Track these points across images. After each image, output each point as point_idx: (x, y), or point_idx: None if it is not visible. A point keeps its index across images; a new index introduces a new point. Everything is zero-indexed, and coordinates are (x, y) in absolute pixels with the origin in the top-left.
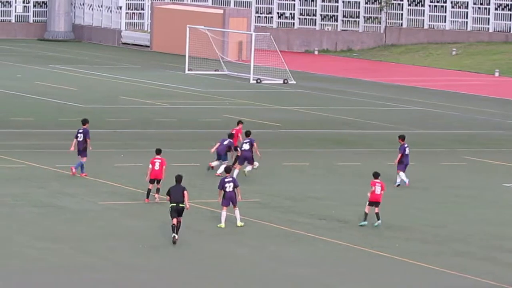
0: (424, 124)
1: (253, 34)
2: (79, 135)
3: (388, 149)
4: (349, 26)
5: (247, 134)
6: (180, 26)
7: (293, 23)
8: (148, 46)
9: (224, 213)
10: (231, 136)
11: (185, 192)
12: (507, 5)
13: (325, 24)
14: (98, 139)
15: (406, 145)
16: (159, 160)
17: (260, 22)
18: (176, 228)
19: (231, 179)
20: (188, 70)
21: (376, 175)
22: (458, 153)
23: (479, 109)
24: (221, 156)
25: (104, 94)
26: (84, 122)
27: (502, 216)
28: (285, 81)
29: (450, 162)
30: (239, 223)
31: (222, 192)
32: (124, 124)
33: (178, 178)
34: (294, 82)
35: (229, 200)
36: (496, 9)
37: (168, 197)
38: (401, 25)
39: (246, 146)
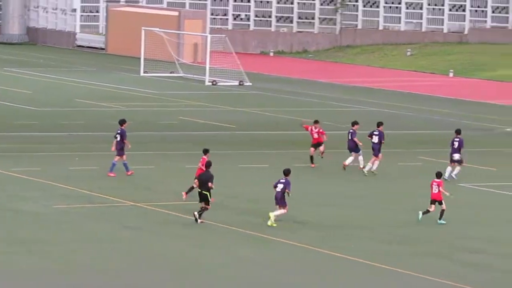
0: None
1: (209, 36)
2: (117, 135)
3: (344, 149)
4: (305, 28)
5: (378, 125)
6: (135, 28)
7: (249, 24)
8: (103, 49)
9: (277, 212)
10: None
11: (209, 184)
12: (461, 6)
13: (281, 26)
14: (53, 142)
15: (456, 139)
16: (201, 159)
17: (215, 24)
18: (201, 211)
19: (284, 180)
20: (144, 72)
21: (437, 175)
22: (414, 153)
23: (434, 110)
24: (352, 149)
25: (59, 97)
26: (122, 122)
27: (461, 216)
28: (241, 83)
29: (406, 163)
30: (272, 218)
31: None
32: (79, 127)
33: (208, 164)
34: (250, 84)
35: (276, 200)
36: (450, 10)
37: (197, 181)
38: (356, 26)
39: (375, 139)
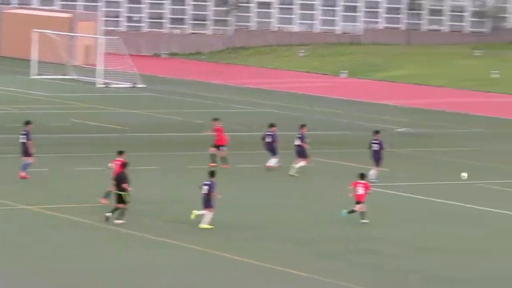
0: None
1: (102, 38)
2: (21, 136)
3: (237, 151)
4: (198, 29)
5: (301, 127)
6: (29, 30)
7: (142, 26)
8: None
9: (202, 211)
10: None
11: (124, 185)
12: (354, 7)
13: (174, 27)
14: None
15: (375, 141)
16: (118, 162)
17: (109, 26)
18: (115, 211)
19: (209, 182)
20: (36, 74)
21: (360, 176)
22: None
23: (327, 110)
24: (271, 152)
25: None
26: (26, 123)
27: (357, 216)
28: (134, 85)
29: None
30: (200, 225)
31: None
32: None
33: (123, 164)
34: (143, 85)
35: (203, 201)
36: (343, 11)
37: (114, 182)
38: (250, 27)
39: (297, 141)
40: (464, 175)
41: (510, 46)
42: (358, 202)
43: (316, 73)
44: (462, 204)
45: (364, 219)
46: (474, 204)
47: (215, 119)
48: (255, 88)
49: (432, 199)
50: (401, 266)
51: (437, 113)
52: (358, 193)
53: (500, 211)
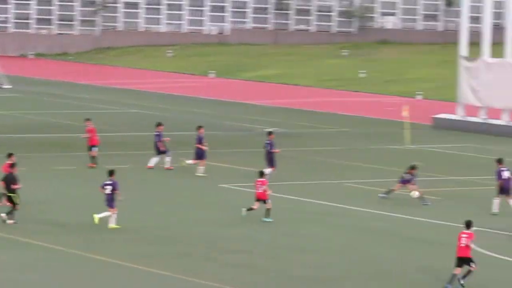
0: (140, 127)
1: None
2: None
3: (108, 151)
4: (65, 29)
5: (198, 128)
6: None
7: (8, 26)
8: None
9: (104, 214)
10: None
11: (13, 186)
12: (222, 7)
13: (41, 28)
14: None
15: (267, 141)
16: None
17: None
18: (9, 212)
19: (110, 182)
20: None
21: (260, 174)
22: (176, 155)
23: (195, 111)
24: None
25: None
26: None
27: (221, 216)
28: (0, 86)
29: (175, 164)
30: (109, 226)
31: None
32: None
33: (11, 165)
34: (10, 86)
35: (106, 201)
36: (211, 11)
37: (3, 183)
38: (117, 28)
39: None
40: (416, 194)
41: (377, 46)
42: (257, 200)
43: (184, 73)
44: (331, 204)
45: (244, 212)
46: (342, 204)
47: (87, 120)
48: (122, 89)
49: (302, 198)
50: (268, 265)
51: (306, 113)
52: (258, 191)
53: (367, 210)
